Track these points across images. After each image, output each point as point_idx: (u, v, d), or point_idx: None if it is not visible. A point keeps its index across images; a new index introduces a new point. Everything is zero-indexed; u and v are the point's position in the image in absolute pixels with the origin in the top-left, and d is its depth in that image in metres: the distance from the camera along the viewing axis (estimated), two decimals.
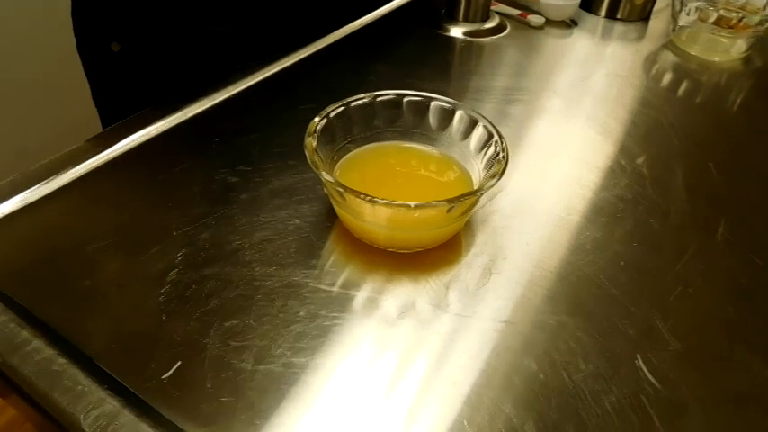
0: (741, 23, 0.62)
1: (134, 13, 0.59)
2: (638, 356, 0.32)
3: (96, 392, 0.28)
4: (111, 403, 0.27)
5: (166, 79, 0.60)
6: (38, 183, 0.40)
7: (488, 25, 0.67)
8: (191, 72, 0.56)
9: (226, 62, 0.54)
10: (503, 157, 0.35)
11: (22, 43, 1.06)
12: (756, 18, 0.62)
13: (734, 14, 0.63)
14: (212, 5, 0.59)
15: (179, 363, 0.30)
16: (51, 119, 1.10)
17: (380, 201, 0.32)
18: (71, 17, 0.61)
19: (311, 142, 0.35)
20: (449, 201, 0.32)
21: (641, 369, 0.31)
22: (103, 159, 0.42)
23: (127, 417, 0.27)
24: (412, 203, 0.32)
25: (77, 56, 0.63)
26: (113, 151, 0.43)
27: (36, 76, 1.09)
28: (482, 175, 0.37)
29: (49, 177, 0.40)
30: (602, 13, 0.74)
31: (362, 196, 0.32)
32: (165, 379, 0.29)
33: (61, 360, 0.29)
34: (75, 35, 0.62)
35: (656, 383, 0.30)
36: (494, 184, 0.34)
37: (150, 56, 0.61)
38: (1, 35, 1.03)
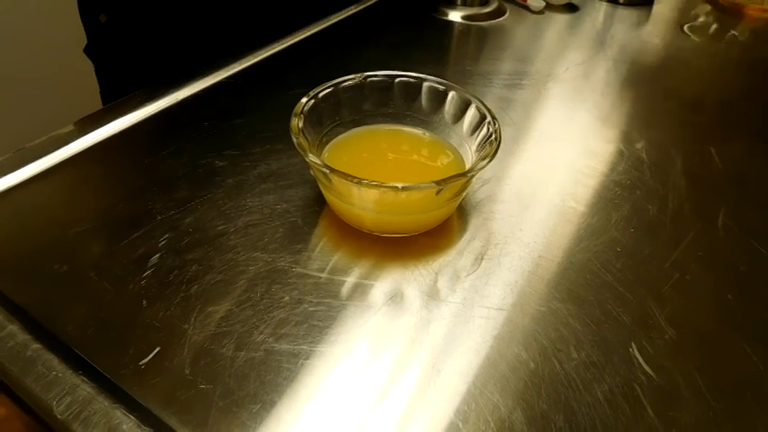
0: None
1: None
2: (633, 344, 0.30)
3: (70, 378, 0.27)
4: (85, 390, 0.27)
5: (153, 53, 0.59)
6: (20, 166, 0.39)
7: (487, 9, 0.66)
8: (178, 49, 0.55)
9: (212, 44, 0.53)
10: (495, 138, 0.34)
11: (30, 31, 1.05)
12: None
13: None
14: None
15: (158, 349, 0.29)
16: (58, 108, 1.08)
17: (367, 182, 0.31)
18: None
19: (297, 123, 0.34)
20: (437, 182, 0.31)
21: (635, 357, 0.30)
22: (88, 143, 0.41)
23: (101, 403, 0.26)
24: (399, 185, 0.31)
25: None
26: (99, 135, 0.42)
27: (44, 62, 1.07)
28: (474, 158, 0.36)
29: (32, 160, 0.39)
30: None
31: (349, 178, 0.31)
32: (142, 365, 0.28)
33: (35, 345, 0.28)
34: (79, 7, 0.62)
35: (650, 372, 0.29)
36: (485, 166, 0.32)
37: (135, 29, 0.61)
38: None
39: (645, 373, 0.29)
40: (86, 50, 0.64)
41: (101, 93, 0.66)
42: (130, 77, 0.63)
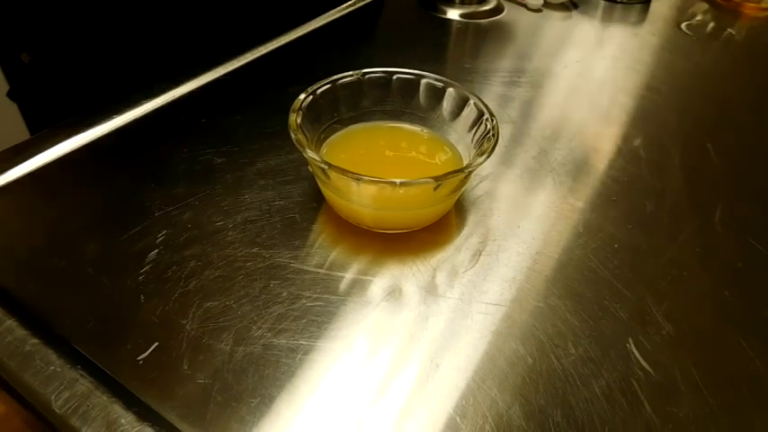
0: None
1: (42, 25, 0.55)
2: (630, 340, 0.31)
3: (68, 373, 0.27)
4: (84, 384, 0.27)
5: (88, 89, 0.56)
6: (18, 162, 0.39)
7: (485, 7, 0.66)
8: (115, 82, 0.52)
9: (155, 72, 0.50)
10: (493, 134, 0.34)
11: None
12: None
13: None
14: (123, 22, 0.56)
15: (156, 344, 0.29)
16: None
17: (365, 178, 0.31)
18: None
19: (295, 119, 0.34)
20: (435, 178, 0.31)
21: (632, 353, 0.30)
22: (87, 139, 0.41)
23: (99, 398, 0.26)
24: (397, 180, 0.31)
25: None
26: (97, 131, 0.42)
27: None
28: (472, 155, 0.36)
29: (30, 156, 0.39)
30: None
31: (347, 174, 0.31)
32: (140, 360, 0.28)
33: (33, 340, 0.28)
34: None
35: (647, 367, 0.29)
36: (482, 162, 0.33)
37: (65, 65, 0.57)
38: None
39: (642, 368, 0.29)
40: (10, 95, 0.59)
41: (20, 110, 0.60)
42: (63, 118, 0.58)
